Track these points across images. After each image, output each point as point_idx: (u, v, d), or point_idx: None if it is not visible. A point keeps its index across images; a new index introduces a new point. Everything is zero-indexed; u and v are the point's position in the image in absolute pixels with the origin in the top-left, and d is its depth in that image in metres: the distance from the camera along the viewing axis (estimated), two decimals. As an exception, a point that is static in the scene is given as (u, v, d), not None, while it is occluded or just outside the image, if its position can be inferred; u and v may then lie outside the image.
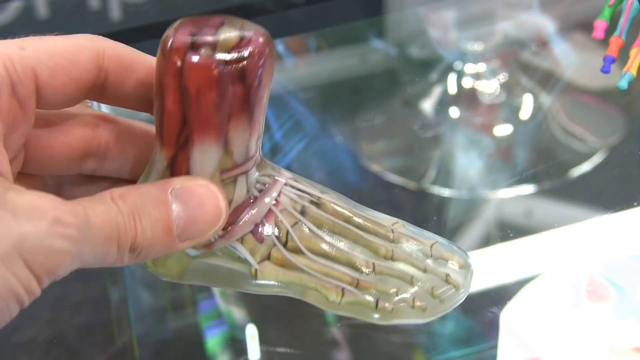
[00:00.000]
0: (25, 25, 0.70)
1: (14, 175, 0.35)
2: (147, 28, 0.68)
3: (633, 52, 0.58)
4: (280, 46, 0.71)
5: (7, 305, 0.29)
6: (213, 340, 0.48)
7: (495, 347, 0.46)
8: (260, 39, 0.34)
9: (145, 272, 0.49)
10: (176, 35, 0.33)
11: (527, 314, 0.47)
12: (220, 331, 0.49)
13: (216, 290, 0.50)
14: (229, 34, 0.34)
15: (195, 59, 0.33)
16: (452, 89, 0.67)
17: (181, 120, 0.34)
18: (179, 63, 0.33)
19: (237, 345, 0.48)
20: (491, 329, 0.47)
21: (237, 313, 0.50)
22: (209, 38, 0.33)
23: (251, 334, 0.48)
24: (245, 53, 0.33)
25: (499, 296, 0.48)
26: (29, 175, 0.36)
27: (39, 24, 0.70)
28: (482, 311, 0.46)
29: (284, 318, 0.48)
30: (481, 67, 0.68)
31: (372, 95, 0.68)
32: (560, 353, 0.45)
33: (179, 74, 0.33)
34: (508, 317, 0.47)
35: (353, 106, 0.67)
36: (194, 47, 0.33)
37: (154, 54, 0.35)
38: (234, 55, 0.33)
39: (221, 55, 0.33)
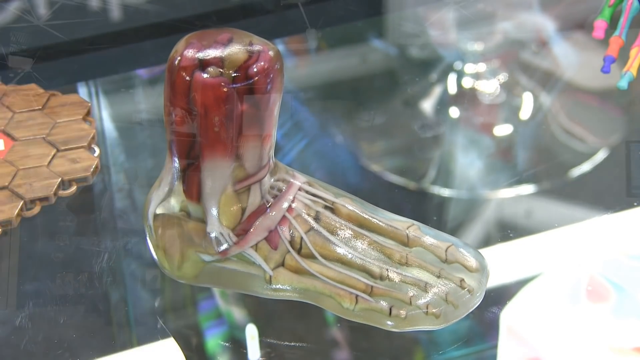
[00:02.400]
0: (25, 25, 0.70)
1: None
2: (147, 28, 0.68)
3: (633, 52, 0.58)
4: (280, 46, 0.70)
5: None
6: (213, 340, 0.48)
7: (495, 347, 0.46)
8: (269, 56, 0.33)
9: (146, 272, 0.49)
10: (184, 53, 0.33)
11: (527, 314, 0.47)
12: (220, 331, 0.49)
13: (216, 290, 0.50)
14: (237, 51, 0.33)
15: (202, 78, 0.33)
16: (452, 89, 0.67)
17: (191, 136, 0.34)
18: (186, 82, 0.33)
19: (237, 345, 0.48)
20: (491, 329, 0.47)
21: (237, 313, 0.50)
22: (217, 56, 0.33)
23: (251, 334, 0.48)
24: (253, 71, 0.33)
25: (499, 296, 0.48)
26: None
27: (39, 24, 0.70)
28: (482, 311, 0.46)
29: (284, 318, 0.48)
30: (481, 67, 0.68)
31: (372, 95, 0.68)
32: (560, 353, 0.45)
33: (187, 93, 0.33)
34: (508, 317, 0.47)
35: (353, 106, 0.67)
36: (202, 65, 0.33)
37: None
38: (241, 73, 0.33)
39: (228, 74, 0.33)
